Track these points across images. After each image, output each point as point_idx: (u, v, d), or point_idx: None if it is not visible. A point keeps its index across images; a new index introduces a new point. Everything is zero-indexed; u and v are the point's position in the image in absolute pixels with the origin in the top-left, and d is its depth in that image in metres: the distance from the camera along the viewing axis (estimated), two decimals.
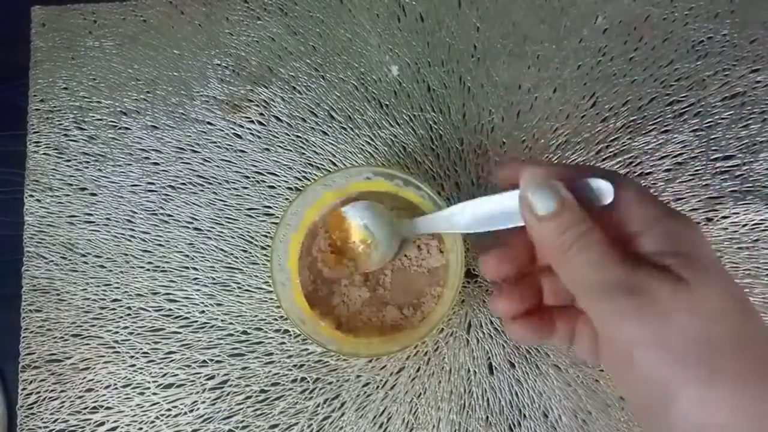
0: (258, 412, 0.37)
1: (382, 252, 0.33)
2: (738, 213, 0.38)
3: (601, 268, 0.20)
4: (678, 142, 0.39)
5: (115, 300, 0.40)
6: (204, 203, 0.41)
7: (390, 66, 0.42)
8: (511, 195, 0.24)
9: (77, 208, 0.41)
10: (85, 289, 0.40)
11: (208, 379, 0.38)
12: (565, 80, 0.40)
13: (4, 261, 0.41)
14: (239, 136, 0.41)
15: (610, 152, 0.39)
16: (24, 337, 0.40)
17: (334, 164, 0.41)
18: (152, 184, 0.41)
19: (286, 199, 0.40)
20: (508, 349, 0.37)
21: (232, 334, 0.39)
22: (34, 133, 0.42)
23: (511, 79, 0.41)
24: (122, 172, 0.41)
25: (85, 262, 0.40)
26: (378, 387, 0.37)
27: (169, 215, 0.41)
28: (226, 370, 0.38)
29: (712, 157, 0.39)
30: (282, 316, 0.39)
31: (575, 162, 0.39)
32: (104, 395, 0.38)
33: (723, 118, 0.39)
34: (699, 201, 0.38)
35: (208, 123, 0.42)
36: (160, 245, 0.40)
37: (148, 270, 0.40)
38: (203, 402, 0.38)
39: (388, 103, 0.41)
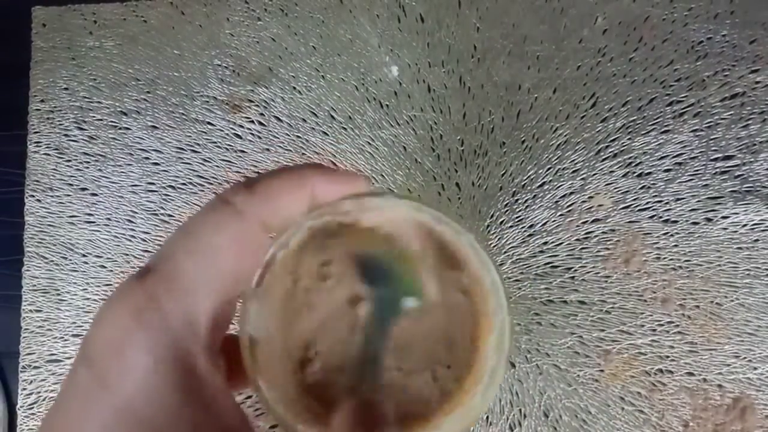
0: (258, 412, 0.37)
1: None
2: (738, 213, 0.38)
3: None
4: (678, 143, 0.39)
5: None
6: (204, 203, 0.41)
7: (390, 66, 0.42)
8: None
9: (78, 208, 0.41)
10: (86, 289, 0.40)
11: None
12: (565, 80, 0.40)
13: (4, 261, 0.41)
14: (239, 136, 0.41)
15: (610, 152, 0.39)
16: (24, 337, 0.40)
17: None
18: (152, 184, 0.41)
19: None
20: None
21: None
22: (35, 133, 0.42)
23: (511, 79, 0.41)
24: (122, 172, 0.41)
25: (85, 262, 0.40)
26: None
27: (170, 215, 0.41)
28: None
29: (711, 158, 0.39)
30: None
31: (575, 162, 0.39)
32: None
33: (723, 119, 0.39)
34: (699, 201, 0.38)
35: (209, 123, 0.42)
36: (160, 245, 0.40)
37: None
38: None
39: (388, 103, 0.41)
